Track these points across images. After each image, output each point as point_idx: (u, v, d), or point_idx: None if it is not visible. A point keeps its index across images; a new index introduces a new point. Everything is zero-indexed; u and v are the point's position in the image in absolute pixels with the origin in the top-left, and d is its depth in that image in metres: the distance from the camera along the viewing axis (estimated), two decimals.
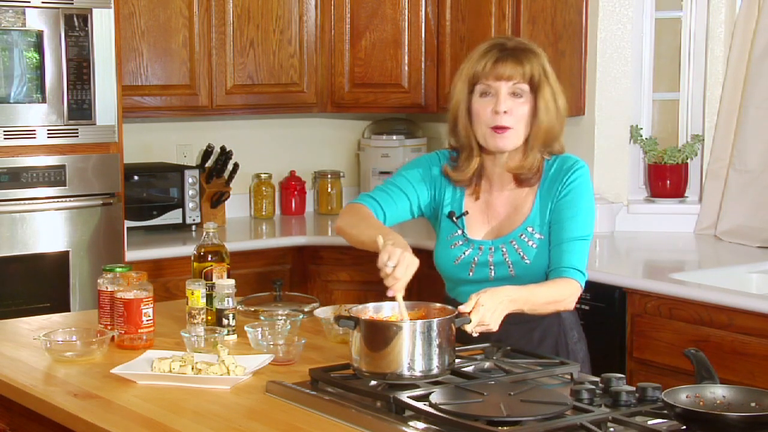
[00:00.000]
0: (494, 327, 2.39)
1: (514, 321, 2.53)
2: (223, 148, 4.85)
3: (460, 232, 2.73)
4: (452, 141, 2.76)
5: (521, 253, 2.66)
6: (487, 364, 2.42)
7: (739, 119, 4.21)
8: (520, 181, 2.70)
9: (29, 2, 3.84)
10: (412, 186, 2.77)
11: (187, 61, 4.50)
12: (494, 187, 2.73)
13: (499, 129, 2.61)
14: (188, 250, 3.49)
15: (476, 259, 2.69)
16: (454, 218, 2.73)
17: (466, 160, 2.72)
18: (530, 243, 2.66)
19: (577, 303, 2.67)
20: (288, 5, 4.72)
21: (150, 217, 4.52)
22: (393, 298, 2.38)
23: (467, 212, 2.74)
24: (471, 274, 2.70)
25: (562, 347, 2.72)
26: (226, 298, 2.81)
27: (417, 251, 3.61)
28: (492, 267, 2.68)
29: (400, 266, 2.36)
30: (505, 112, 2.60)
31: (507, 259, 2.66)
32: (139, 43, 4.39)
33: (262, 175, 5.07)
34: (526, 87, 2.61)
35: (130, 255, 4.10)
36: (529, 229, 2.67)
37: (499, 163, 2.70)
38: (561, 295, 2.59)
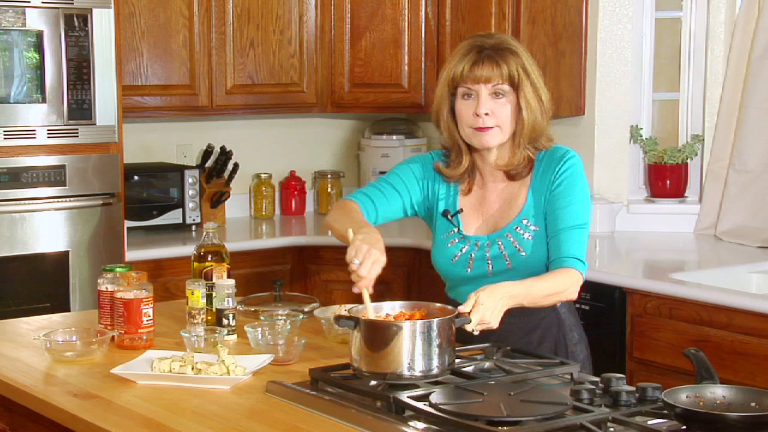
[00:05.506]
0: (495, 324, 2.39)
1: (512, 322, 2.53)
2: (223, 148, 4.85)
3: (455, 230, 2.74)
4: (442, 140, 2.78)
5: (517, 246, 2.66)
6: (487, 364, 2.42)
7: (739, 119, 4.21)
8: (511, 176, 2.71)
9: (29, 2, 3.84)
10: (405, 185, 2.78)
11: (187, 61, 4.50)
12: (487, 182, 2.75)
13: (481, 129, 2.63)
14: (188, 250, 3.49)
15: (473, 255, 2.70)
16: (449, 216, 2.75)
17: (457, 158, 2.74)
18: (525, 235, 2.66)
19: (578, 297, 2.66)
20: (288, 5, 4.72)
21: (150, 217, 4.52)
22: (361, 297, 2.39)
23: (462, 210, 2.75)
24: (469, 270, 2.70)
25: (561, 349, 2.72)
26: (226, 298, 2.81)
27: (416, 251, 3.61)
28: (489, 261, 2.68)
29: (365, 263, 2.38)
30: (486, 114, 2.61)
31: (503, 253, 2.67)
32: (139, 43, 4.39)
33: (262, 175, 5.07)
34: (506, 87, 2.61)
35: (130, 255, 4.10)
36: (524, 221, 2.67)
37: (488, 161, 2.72)
38: (561, 287, 2.59)
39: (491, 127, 2.63)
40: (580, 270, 2.61)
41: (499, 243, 2.68)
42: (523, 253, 2.66)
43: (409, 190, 2.78)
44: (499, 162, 2.71)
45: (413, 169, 2.80)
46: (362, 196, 2.78)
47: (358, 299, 2.44)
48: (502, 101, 2.62)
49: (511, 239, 2.67)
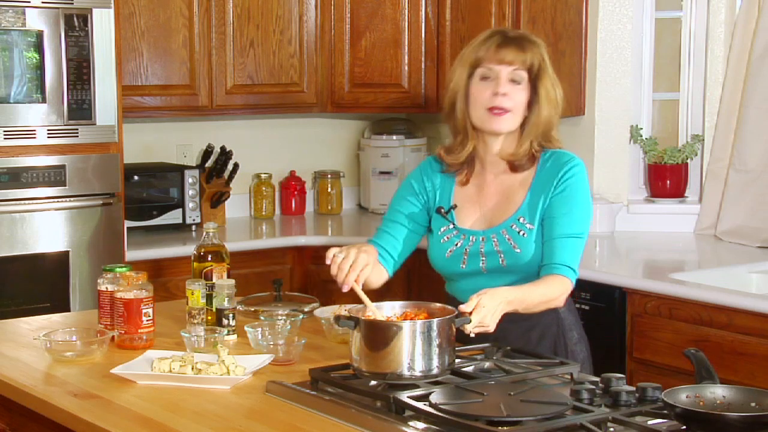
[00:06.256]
0: (492, 328, 2.41)
1: (511, 321, 2.53)
2: (223, 148, 4.85)
3: (450, 225, 2.75)
4: (448, 126, 2.80)
5: (512, 243, 2.67)
6: (487, 364, 2.42)
7: (739, 119, 4.21)
8: (514, 167, 2.72)
9: (29, 2, 3.83)
10: (403, 215, 2.82)
11: (187, 61, 4.50)
12: (487, 172, 2.76)
13: (497, 110, 2.65)
14: (188, 250, 3.49)
15: (467, 249, 2.71)
16: (443, 212, 2.76)
17: (461, 144, 2.75)
18: (521, 232, 2.67)
19: (574, 300, 2.68)
20: (288, 5, 4.72)
21: (150, 217, 4.52)
22: (359, 301, 2.44)
23: (456, 205, 2.76)
24: (464, 266, 2.71)
25: (560, 348, 2.72)
26: (226, 298, 2.81)
27: (416, 251, 3.59)
28: (483, 257, 2.69)
29: (347, 259, 2.50)
30: (504, 94, 2.63)
31: (498, 249, 2.67)
32: (139, 43, 4.39)
33: (262, 175, 5.07)
34: (525, 74, 2.66)
35: (130, 255, 4.10)
36: (521, 219, 2.68)
37: (492, 150, 2.73)
38: (553, 294, 2.62)
39: (507, 111, 2.65)
40: (571, 278, 2.63)
41: (494, 239, 2.68)
42: (518, 250, 2.66)
43: (409, 216, 2.81)
44: (504, 151, 2.72)
45: (407, 192, 2.84)
46: (374, 244, 2.80)
47: (357, 300, 2.45)
48: (519, 87, 2.66)
49: (507, 236, 2.68)
